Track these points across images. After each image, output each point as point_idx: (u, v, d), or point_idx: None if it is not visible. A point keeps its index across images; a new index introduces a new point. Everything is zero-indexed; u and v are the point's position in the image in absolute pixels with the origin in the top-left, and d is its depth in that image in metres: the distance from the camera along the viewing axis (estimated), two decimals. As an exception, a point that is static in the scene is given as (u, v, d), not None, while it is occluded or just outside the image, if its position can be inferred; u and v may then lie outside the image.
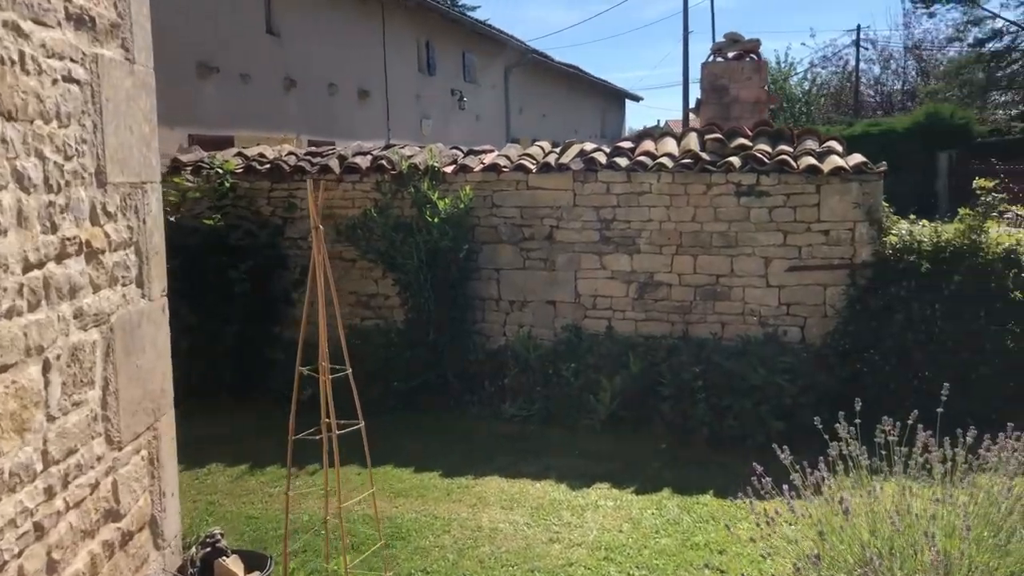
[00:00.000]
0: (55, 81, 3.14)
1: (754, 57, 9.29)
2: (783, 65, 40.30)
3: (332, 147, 9.28)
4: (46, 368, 3.06)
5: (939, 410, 3.91)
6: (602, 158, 7.86)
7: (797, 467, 3.83)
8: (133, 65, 4.01)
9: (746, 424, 6.19)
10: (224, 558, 4.25)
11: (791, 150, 7.52)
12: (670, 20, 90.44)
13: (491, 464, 6.33)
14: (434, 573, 4.76)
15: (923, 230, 7.10)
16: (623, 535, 5.13)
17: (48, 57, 3.10)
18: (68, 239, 3.23)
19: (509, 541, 5.10)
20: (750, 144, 7.66)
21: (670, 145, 7.98)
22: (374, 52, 17.69)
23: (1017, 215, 7.08)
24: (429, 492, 5.89)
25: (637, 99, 40.79)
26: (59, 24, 3.19)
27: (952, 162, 23.62)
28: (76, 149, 3.32)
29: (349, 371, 4.45)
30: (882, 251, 7.10)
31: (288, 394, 7.95)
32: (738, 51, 9.38)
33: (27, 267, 2.92)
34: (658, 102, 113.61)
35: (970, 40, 35.56)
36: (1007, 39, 34.17)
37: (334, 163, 8.59)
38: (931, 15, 37.26)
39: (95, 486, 3.47)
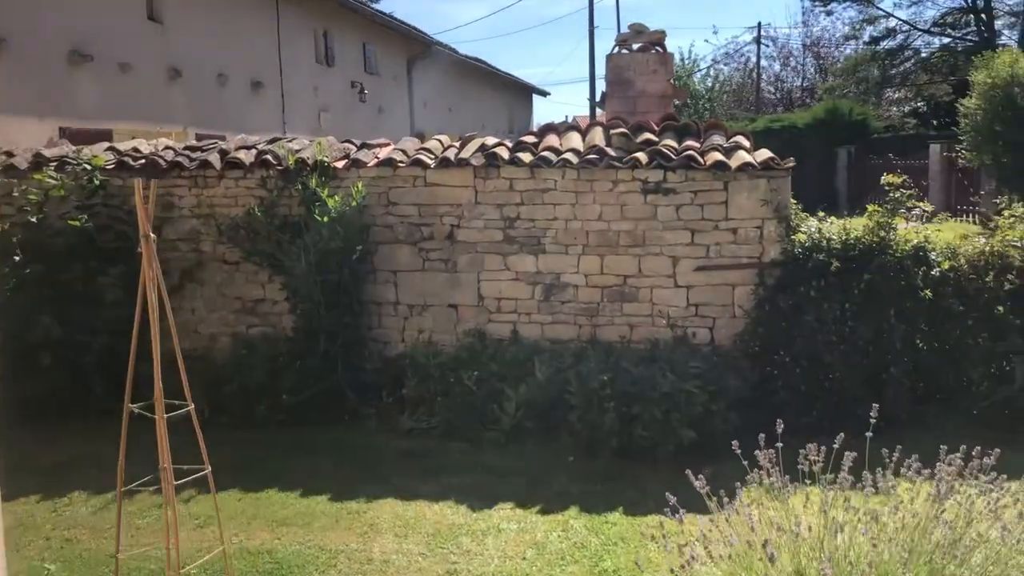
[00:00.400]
0: None
1: (659, 49, 9.02)
2: (687, 62, 40.84)
3: (215, 141, 8.60)
4: None
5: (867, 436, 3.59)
6: (504, 153, 7.45)
7: (713, 496, 3.49)
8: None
9: (656, 433, 5.87)
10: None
11: (698, 145, 7.25)
12: (576, 16, 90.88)
13: (386, 485, 5.84)
14: (317, 617, 4.25)
15: (832, 227, 6.92)
16: (527, 563, 4.72)
17: None
18: None
19: (401, 575, 4.63)
20: (656, 139, 7.36)
21: (575, 140, 7.62)
22: (267, 41, 16.87)
23: (924, 211, 6.94)
24: (316, 519, 5.36)
25: (544, 94, 40.66)
26: None
27: (851, 158, 24.16)
28: None
29: (191, 407, 3.86)
30: (791, 249, 6.89)
31: (170, 409, 7.35)
32: (643, 43, 9.09)
33: None
34: (565, 98, 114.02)
35: (865, 38, 36.74)
36: (900, 37, 35.34)
37: (215, 158, 7.93)
38: (829, 13, 38.33)
39: None
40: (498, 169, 7.41)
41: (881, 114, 33.93)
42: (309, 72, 18.72)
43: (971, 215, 18.26)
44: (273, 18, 17.02)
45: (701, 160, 6.99)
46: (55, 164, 7.93)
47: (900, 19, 35.31)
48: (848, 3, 36.08)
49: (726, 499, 3.65)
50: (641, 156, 7.08)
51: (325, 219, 7.20)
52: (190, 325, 8.21)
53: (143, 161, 8.12)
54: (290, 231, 7.53)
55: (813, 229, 6.91)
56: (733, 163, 6.90)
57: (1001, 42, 30.74)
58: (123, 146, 8.55)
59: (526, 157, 7.35)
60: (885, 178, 6.98)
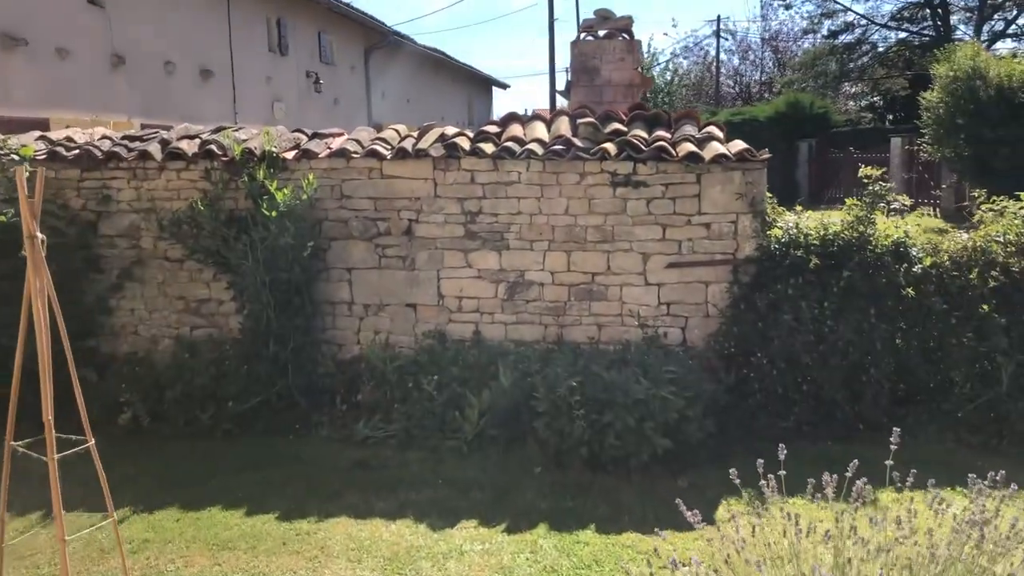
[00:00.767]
0: None
1: (627, 36, 8.63)
2: (647, 55, 40.58)
3: (156, 131, 8.06)
4: None
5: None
6: (465, 143, 7.02)
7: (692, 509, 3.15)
8: None
9: (629, 443, 5.49)
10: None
11: (669, 136, 6.90)
12: (535, 9, 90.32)
13: (339, 501, 5.39)
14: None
15: (809, 222, 6.61)
16: (493, 589, 4.32)
17: None
18: None
19: (356, 606, 4.21)
20: (626, 129, 6.99)
21: (539, 130, 7.22)
22: (217, 28, 16.22)
23: (903, 205, 6.66)
24: (262, 542, 4.90)
25: (504, 86, 40.21)
26: None
27: (812, 151, 24.05)
28: None
29: (91, 443, 3.40)
30: (767, 245, 6.57)
31: (109, 418, 6.83)
32: (609, 28, 8.69)
33: None
34: (525, 90, 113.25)
35: (824, 32, 36.76)
36: (858, 32, 35.45)
37: (155, 148, 7.40)
38: (787, 7, 38.36)
39: None
40: (459, 160, 7.00)
41: (838, 108, 33.99)
42: (262, 61, 18.08)
43: (933, 209, 18.19)
44: (223, 4, 16.37)
45: (673, 151, 6.63)
46: (-23, 155, 7.35)
47: (858, 13, 35.49)
48: (807, -3, 36.10)
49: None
50: (610, 147, 6.71)
51: (273, 213, 6.73)
52: (130, 327, 7.69)
53: (77, 151, 7.56)
54: (236, 226, 7.05)
55: (790, 224, 6.60)
56: (706, 154, 6.56)
57: (957, 36, 30.92)
58: (56, 135, 7.98)
59: (488, 148, 6.94)
60: (863, 171, 6.67)
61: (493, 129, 7.30)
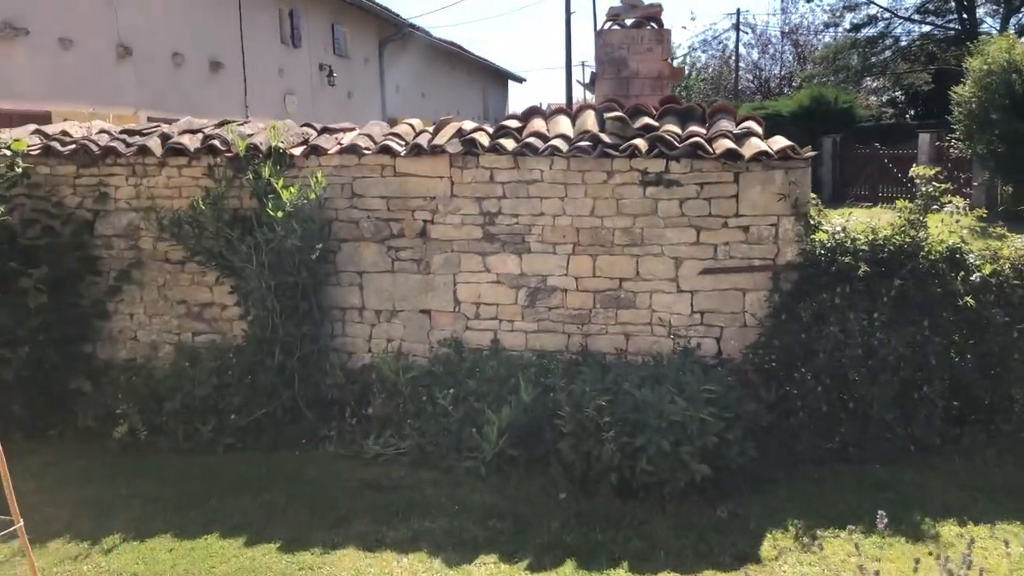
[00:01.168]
0: None
1: (655, 25, 8.14)
2: (665, 48, 39.96)
3: (157, 124, 7.64)
4: None
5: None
6: (485, 139, 6.56)
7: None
8: None
9: (663, 468, 5.01)
10: None
11: (704, 131, 6.40)
12: (551, 3, 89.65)
13: (347, 530, 4.95)
14: None
15: (858, 226, 6.11)
16: (516, 639, 3.87)
17: None
18: None
19: (363, 658, 3.77)
20: (656, 124, 6.50)
21: (564, 125, 6.74)
22: (228, 19, 15.80)
23: (957, 207, 6.14)
24: (261, 577, 4.47)
25: (520, 80, 39.66)
26: None
27: (836, 147, 23.45)
28: None
29: (20, 525, 2.95)
30: (811, 251, 6.08)
31: (104, 431, 6.41)
32: (637, 17, 8.20)
33: None
34: (541, 85, 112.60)
35: (846, 26, 36.09)
36: (881, 25, 34.75)
37: (154, 143, 6.98)
38: (808, 0, 37.60)
39: None
40: (477, 157, 6.53)
41: (860, 103, 33.34)
42: (274, 53, 17.65)
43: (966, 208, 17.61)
44: (234, -6, 15.96)
45: (709, 148, 6.14)
46: (-32, 149, 6.94)
47: (881, 6, 34.74)
48: (828, -10, 35.42)
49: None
50: (640, 143, 6.23)
51: (280, 214, 6.29)
52: (128, 332, 7.28)
53: (73, 146, 7.14)
54: (240, 227, 6.62)
55: (836, 227, 6.10)
56: (746, 152, 6.07)
57: (982, 30, 30.20)
58: (51, 129, 7.56)
59: (509, 144, 6.48)
60: (914, 170, 6.16)
61: (514, 124, 6.83)
